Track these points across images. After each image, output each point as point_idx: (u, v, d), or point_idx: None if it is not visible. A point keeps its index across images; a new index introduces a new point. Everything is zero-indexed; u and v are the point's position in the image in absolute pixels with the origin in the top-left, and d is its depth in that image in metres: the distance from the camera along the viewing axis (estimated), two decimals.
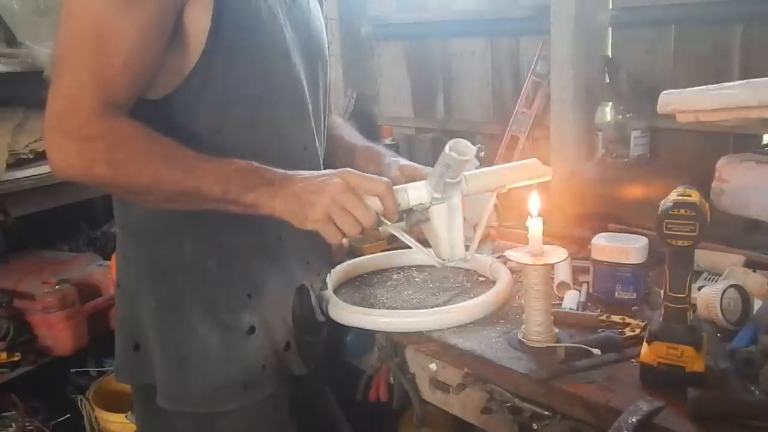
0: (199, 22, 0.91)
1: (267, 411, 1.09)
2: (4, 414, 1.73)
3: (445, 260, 1.08)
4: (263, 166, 0.94)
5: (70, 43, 0.86)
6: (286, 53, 1.02)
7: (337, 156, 1.28)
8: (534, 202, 1.05)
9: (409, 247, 1.10)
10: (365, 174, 0.96)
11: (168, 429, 1.08)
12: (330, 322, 1.24)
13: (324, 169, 1.13)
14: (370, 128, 2.30)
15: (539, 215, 1.04)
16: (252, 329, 1.04)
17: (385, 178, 0.97)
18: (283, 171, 0.95)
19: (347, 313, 1.23)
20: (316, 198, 0.92)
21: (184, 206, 0.94)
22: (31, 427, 1.72)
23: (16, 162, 1.84)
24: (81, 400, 1.85)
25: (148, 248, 1.04)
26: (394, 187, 1.00)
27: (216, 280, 1.03)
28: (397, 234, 1.07)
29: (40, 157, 1.84)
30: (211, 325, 1.02)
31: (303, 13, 1.08)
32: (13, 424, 1.70)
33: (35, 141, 1.86)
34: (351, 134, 1.35)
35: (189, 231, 1.01)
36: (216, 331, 1.02)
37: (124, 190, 0.93)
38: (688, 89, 1.11)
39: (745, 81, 1.07)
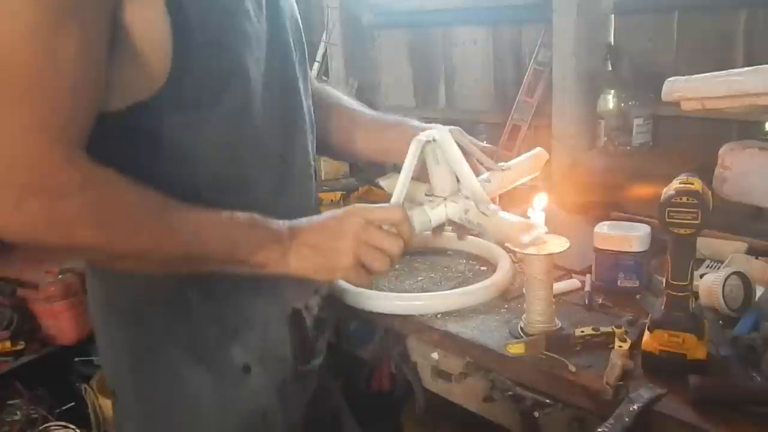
0: (152, 22, 0.75)
1: None
2: (10, 402, 1.74)
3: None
4: (265, 218, 0.84)
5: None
6: (261, 64, 0.87)
7: (355, 135, 1.14)
8: (539, 200, 1.03)
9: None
10: (375, 205, 0.89)
11: None
12: (333, 313, 1.23)
13: (312, 168, 1.03)
14: None
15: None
16: (247, 368, 0.92)
17: (397, 205, 0.89)
18: (288, 223, 0.85)
19: (353, 297, 1.23)
20: (338, 244, 0.84)
21: (178, 270, 0.82)
22: (35, 415, 1.74)
23: None
24: (85, 389, 1.86)
25: (114, 287, 0.90)
26: (414, 211, 0.94)
27: (198, 315, 0.90)
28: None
29: None
30: (198, 367, 0.89)
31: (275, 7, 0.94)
32: (18, 412, 1.72)
33: None
34: (355, 105, 1.18)
35: None
36: (205, 374, 0.90)
37: (108, 256, 0.77)
38: (694, 76, 1.10)
39: (753, 68, 1.06)
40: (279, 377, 0.96)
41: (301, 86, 0.97)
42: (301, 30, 1.01)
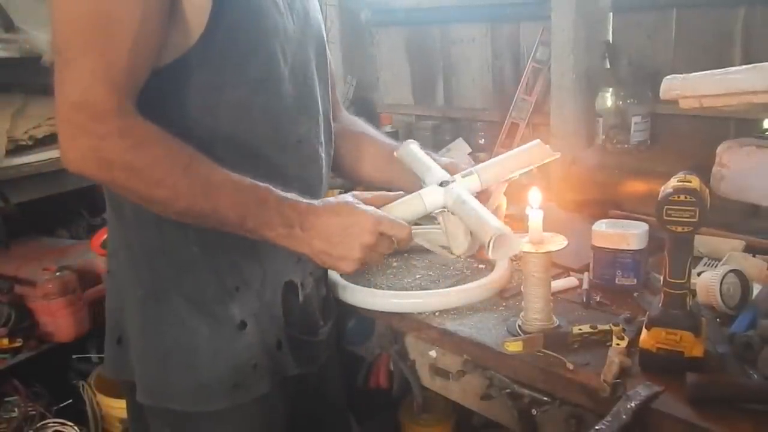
0: (198, 1, 0.87)
1: (256, 414, 1.03)
2: (7, 399, 1.74)
3: (458, 255, 1.07)
4: (283, 196, 0.91)
5: (73, 27, 0.80)
6: (286, 42, 0.98)
7: (364, 159, 1.26)
8: (534, 196, 1.04)
9: None
10: (391, 218, 0.96)
11: (150, 427, 1.04)
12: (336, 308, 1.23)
13: (323, 162, 1.09)
14: (369, 115, 2.29)
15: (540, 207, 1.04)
16: (243, 324, 1.00)
17: (407, 225, 0.98)
18: (306, 204, 0.92)
19: (352, 293, 1.23)
20: (347, 250, 0.93)
21: (196, 223, 0.91)
22: (33, 412, 1.73)
23: (16, 148, 1.83)
24: (83, 386, 1.86)
25: (133, 233, 0.99)
26: (408, 196, 1.03)
27: (202, 269, 0.98)
28: (424, 244, 1.11)
29: (39, 143, 1.83)
30: (199, 317, 0.98)
31: (303, 4, 1.05)
32: (15, 409, 1.72)
33: (34, 128, 1.85)
34: (375, 134, 1.30)
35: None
36: (205, 324, 0.98)
37: (137, 197, 0.87)
38: (692, 74, 1.10)
39: (751, 65, 1.06)
40: (272, 336, 1.04)
41: (317, 80, 1.08)
42: (323, 32, 1.13)
